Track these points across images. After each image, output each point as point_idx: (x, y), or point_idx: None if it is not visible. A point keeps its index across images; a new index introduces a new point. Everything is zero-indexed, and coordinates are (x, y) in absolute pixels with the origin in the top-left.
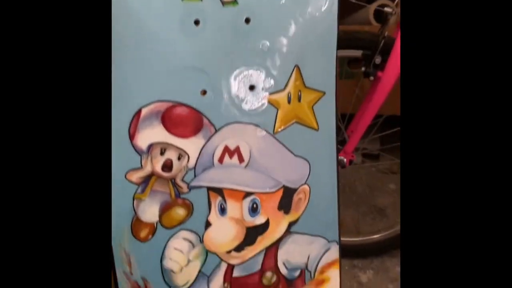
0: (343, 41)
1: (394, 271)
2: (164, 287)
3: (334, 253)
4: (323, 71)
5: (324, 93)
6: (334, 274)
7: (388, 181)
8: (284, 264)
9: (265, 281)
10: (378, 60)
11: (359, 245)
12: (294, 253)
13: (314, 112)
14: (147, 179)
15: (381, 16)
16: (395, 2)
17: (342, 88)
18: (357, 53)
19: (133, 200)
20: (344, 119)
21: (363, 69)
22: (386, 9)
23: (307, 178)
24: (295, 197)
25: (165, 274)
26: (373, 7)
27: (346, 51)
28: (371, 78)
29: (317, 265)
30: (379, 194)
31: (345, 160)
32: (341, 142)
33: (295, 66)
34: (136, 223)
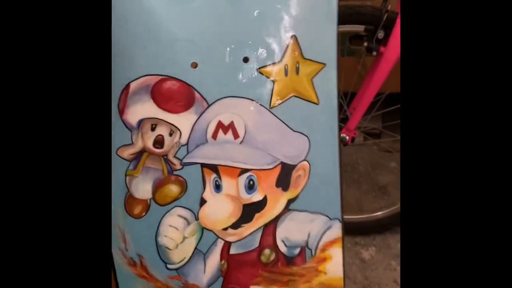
0: (345, 16)
1: (396, 247)
2: (160, 264)
3: (336, 231)
4: (323, 41)
5: (324, 64)
6: (336, 252)
7: (389, 159)
8: (283, 241)
9: (263, 259)
10: (380, 35)
11: (361, 222)
12: (294, 231)
13: (314, 85)
14: (138, 156)
15: None
16: None
17: (344, 65)
18: (359, 28)
19: (126, 176)
20: (346, 97)
21: (365, 44)
22: None
23: (307, 154)
24: (294, 174)
25: (161, 251)
26: None
27: (348, 26)
28: (374, 53)
29: (318, 243)
30: (380, 172)
31: (347, 137)
32: (343, 120)
33: (292, 36)
34: (130, 200)
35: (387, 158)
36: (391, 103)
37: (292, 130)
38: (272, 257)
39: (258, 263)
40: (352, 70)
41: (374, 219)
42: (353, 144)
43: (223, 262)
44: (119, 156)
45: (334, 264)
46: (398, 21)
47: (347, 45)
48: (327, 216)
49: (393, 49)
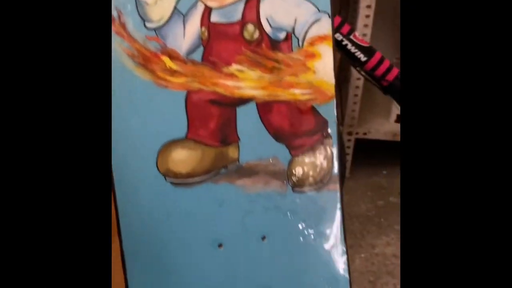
0: None
1: None
2: (138, 21)
3: (325, 25)
4: None
5: None
6: (325, 51)
7: None
8: (267, 20)
9: (246, 35)
10: None
11: None
12: (279, 11)
13: None
14: None
15: None
16: None
17: None
18: None
19: None
20: None
21: None
22: None
23: None
24: None
25: (139, 6)
26: None
27: None
28: None
29: (305, 34)
30: None
31: None
32: None
33: None
34: None
35: None
36: None
37: None
38: (256, 35)
39: (241, 39)
40: None
41: None
42: None
43: (203, 29)
44: None
45: (323, 64)
46: None
47: None
48: (315, 6)
49: None
